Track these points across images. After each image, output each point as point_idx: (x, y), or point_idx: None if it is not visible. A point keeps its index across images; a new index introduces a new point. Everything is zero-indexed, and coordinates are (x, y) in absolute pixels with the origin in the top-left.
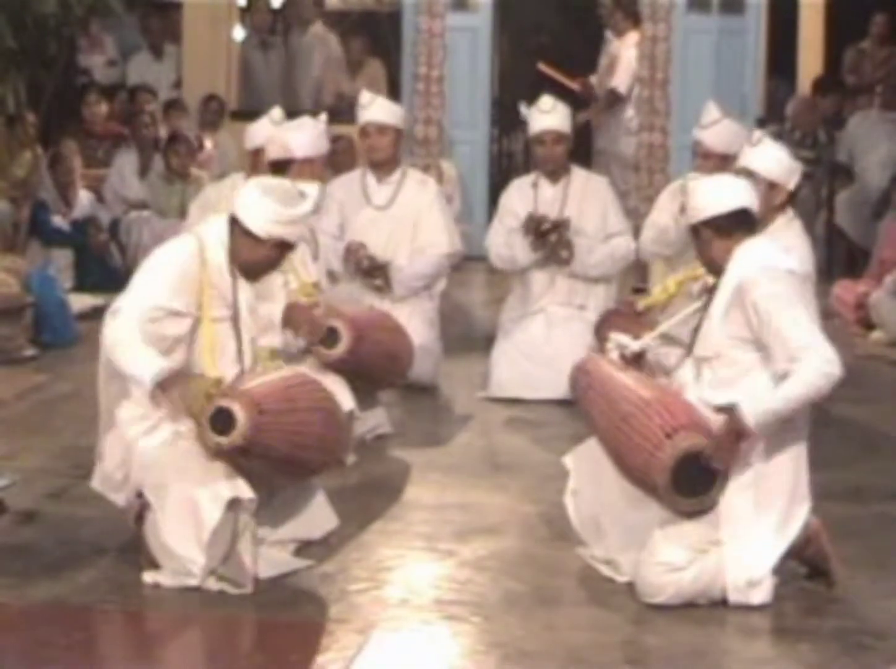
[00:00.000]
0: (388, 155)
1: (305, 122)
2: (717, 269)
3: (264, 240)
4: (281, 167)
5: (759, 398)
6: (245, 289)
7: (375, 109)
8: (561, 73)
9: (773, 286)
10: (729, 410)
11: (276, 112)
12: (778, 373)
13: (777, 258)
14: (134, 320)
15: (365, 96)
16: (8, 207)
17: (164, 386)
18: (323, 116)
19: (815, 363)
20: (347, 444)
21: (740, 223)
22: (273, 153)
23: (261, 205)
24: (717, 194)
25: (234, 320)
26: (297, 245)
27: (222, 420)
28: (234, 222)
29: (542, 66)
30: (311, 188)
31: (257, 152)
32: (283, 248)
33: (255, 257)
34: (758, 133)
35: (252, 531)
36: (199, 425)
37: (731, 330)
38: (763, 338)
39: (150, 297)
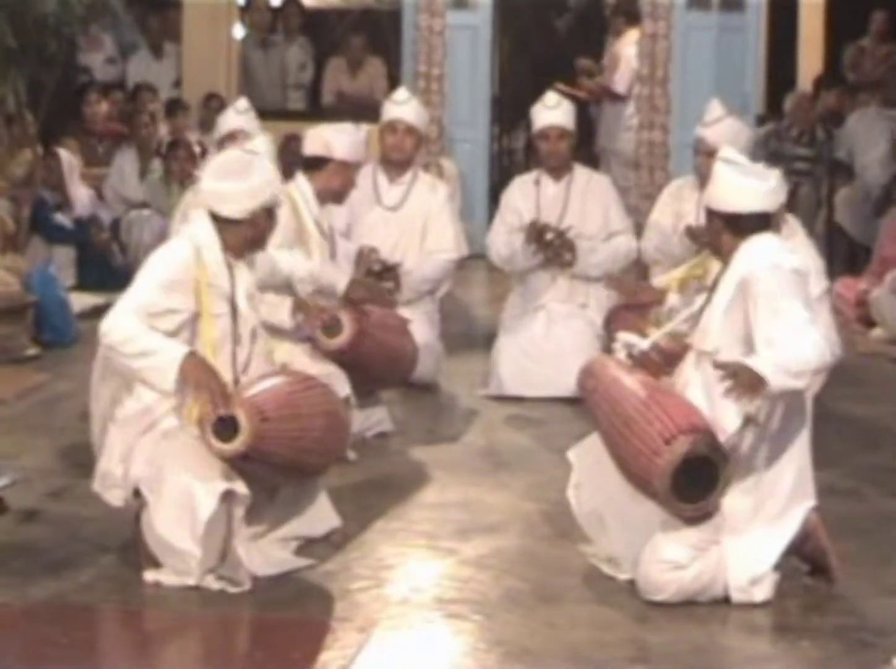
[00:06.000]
0: (408, 156)
1: (350, 127)
2: (720, 256)
3: (248, 219)
4: (316, 164)
5: (767, 358)
6: (244, 279)
7: (409, 109)
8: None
9: (777, 282)
10: (738, 364)
11: (242, 103)
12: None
13: (783, 257)
14: (131, 314)
15: (402, 94)
16: (9, 205)
17: (187, 370)
18: (364, 126)
19: (817, 336)
20: (348, 442)
21: (756, 226)
22: (311, 149)
23: (223, 191)
24: (743, 193)
25: (233, 314)
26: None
27: (226, 427)
28: (214, 216)
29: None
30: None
31: (222, 142)
32: (270, 211)
33: (251, 235)
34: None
35: (244, 530)
36: (201, 430)
37: (731, 326)
38: (759, 321)
39: (145, 295)
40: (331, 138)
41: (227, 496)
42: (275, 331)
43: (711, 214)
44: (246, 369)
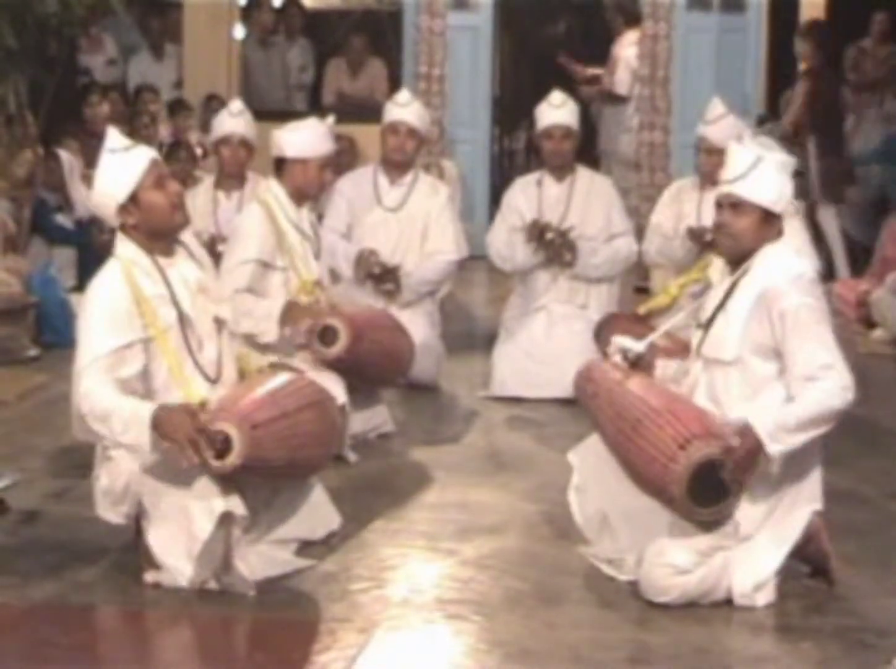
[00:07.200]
0: (409, 158)
1: (307, 122)
2: (738, 257)
3: (134, 197)
4: (279, 166)
5: (771, 415)
6: (181, 276)
7: (412, 111)
8: (577, 65)
9: (803, 298)
10: (742, 428)
11: (235, 105)
12: (791, 387)
13: (802, 267)
14: (95, 379)
15: (404, 96)
16: (9, 206)
17: (160, 428)
18: (330, 119)
19: (831, 384)
20: (342, 433)
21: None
22: (273, 152)
23: (102, 183)
24: (785, 185)
25: (180, 318)
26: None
27: (218, 444)
28: (121, 217)
29: (562, 59)
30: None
31: (218, 144)
32: (135, 199)
33: (144, 229)
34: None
35: (244, 540)
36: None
37: (753, 337)
38: (785, 348)
39: (98, 349)
40: (281, 138)
41: (225, 517)
42: (265, 346)
43: (743, 205)
44: (220, 365)
